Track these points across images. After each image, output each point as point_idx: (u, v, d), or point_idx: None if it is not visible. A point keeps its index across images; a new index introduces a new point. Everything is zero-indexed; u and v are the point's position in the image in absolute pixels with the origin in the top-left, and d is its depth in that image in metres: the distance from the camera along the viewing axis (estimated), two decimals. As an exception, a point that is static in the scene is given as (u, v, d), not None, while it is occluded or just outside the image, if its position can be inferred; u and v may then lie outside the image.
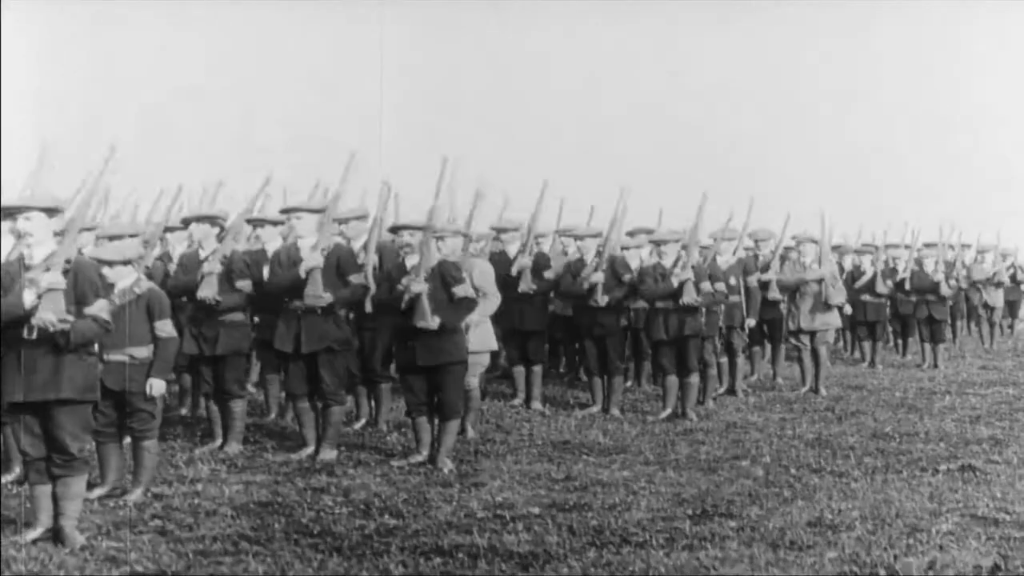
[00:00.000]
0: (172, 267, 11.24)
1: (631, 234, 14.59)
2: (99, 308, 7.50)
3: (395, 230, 10.46)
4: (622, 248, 13.36)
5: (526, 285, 13.04)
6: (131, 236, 10.71)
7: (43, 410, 7.50)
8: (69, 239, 7.59)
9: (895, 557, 7.55)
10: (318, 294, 10.17)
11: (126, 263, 8.81)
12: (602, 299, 12.69)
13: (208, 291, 10.51)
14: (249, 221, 11.45)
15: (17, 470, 8.85)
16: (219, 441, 10.67)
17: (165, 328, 8.85)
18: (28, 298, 7.28)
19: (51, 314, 7.28)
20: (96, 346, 7.74)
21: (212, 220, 10.88)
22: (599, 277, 12.71)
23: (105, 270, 8.34)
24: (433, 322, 9.81)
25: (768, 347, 15.56)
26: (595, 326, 12.81)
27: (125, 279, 8.78)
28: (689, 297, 12.25)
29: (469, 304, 10.07)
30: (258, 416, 11.90)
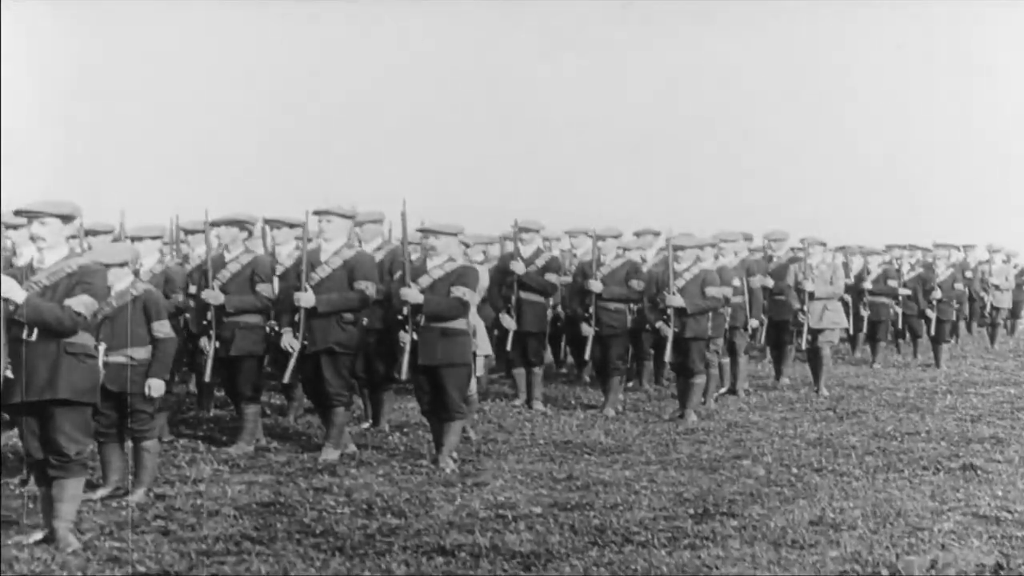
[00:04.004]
0: (188, 267, 11.23)
1: (638, 234, 14.62)
2: (80, 302, 7.47)
3: (423, 232, 10.41)
4: (626, 249, 13.36)
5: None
6: (153, 238, 10.74)
7: (42, 411, 7.50)
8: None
9: (897, 556, 7.54)
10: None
11: (122, 265, 8.80)
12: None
13: (212, 296, 10.53)
14: (267, 221, 11.43)
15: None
16: (261, 441, 10.78)
17: (163, 329, 8.85)
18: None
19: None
20: (100, 349, 7.74)
21: (240, 224, 10.85)
22: (598, 286, 12.72)
23: None
24: (416, 296, 9.82)
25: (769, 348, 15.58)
26: (601, 325, 12.80)
27: (121, 281, 8.78)
28: (676, 302, 12.24)
29: (459, 305, 10.02)
30: (267, 418, 11.89)
